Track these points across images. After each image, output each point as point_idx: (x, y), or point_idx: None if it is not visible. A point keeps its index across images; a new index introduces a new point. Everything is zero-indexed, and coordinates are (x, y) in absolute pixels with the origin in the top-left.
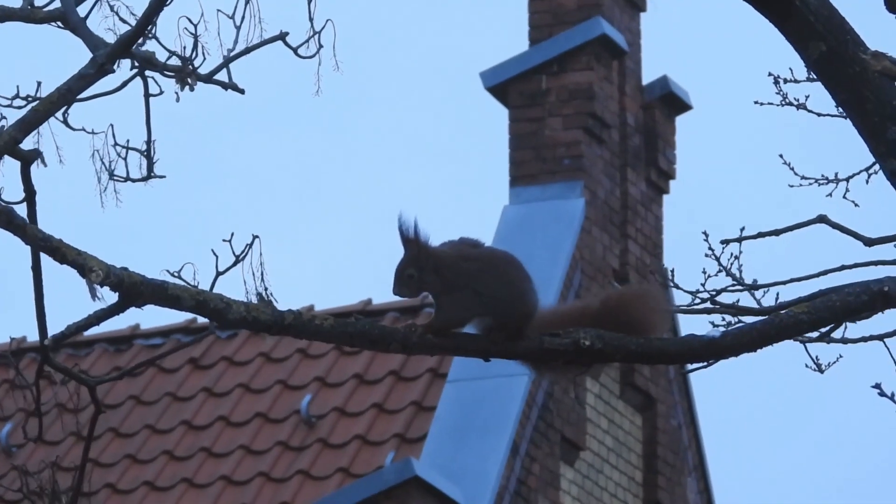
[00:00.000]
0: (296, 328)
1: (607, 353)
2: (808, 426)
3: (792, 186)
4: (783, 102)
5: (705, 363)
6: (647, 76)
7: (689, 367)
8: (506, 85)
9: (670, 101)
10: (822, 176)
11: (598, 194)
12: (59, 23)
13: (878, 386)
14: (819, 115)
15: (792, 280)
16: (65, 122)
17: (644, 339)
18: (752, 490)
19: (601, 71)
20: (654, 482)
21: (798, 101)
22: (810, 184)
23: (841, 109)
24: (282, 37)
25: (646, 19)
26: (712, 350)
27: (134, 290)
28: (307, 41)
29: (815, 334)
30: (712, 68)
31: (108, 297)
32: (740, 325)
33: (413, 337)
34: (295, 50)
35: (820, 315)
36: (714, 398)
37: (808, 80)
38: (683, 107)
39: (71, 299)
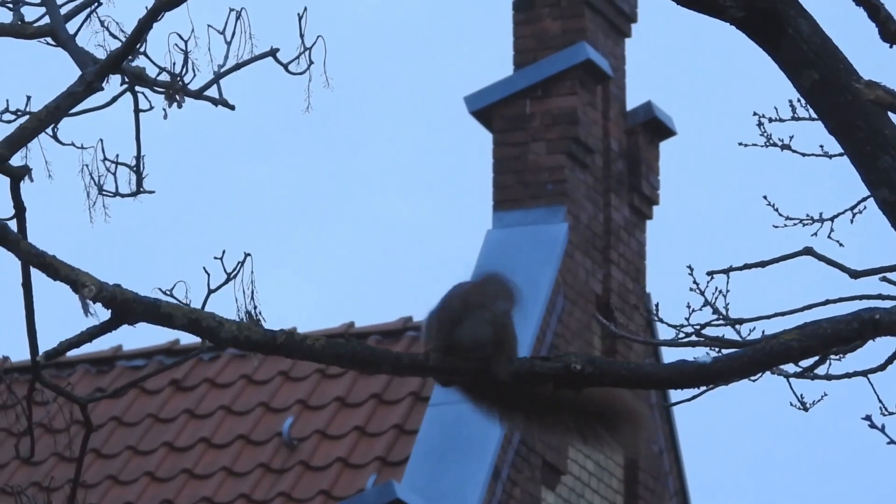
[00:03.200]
0: (287, 348)
1: (598, 378)
2: (794, 452)
3: (777, 227)
4: (767, 143)
5: (690, 398)
6: (631, 102)
7: (673, 400)
8: (490, 109)
9: (654, 127)
10: (807, 215)
11: (581, 219)
12: (49, 38)
13: (868, 418)
14: (804, 154)
15: (776, 314)
16: (54, 136)
17: (635, 364)
18: None
19: (585, 96)
20: None
21: (782, 141)
22: (794, 224)
23: (833, 138)
24: (272, 53)
25: (630, 45)
26: (703, 375)
27: (126, 306)
28: (298, 57)
29: (799, 369)
30: (698, 95)
31: (101, 314)
32: (731, 351)
33: (404, 359)
34: (285, 66)
35: (809, 342)
36: (696, 423)
37: (794, 119)
38: (667, 132)
39: (59, 318)
